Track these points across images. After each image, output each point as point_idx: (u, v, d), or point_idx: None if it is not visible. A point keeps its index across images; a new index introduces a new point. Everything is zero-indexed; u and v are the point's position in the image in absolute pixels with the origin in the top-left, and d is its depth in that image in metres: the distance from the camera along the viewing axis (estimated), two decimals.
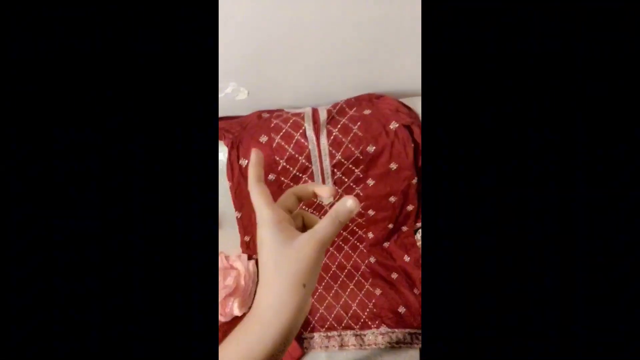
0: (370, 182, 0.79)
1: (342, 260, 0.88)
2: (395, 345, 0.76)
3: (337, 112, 0.79)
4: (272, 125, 0.78)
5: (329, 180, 0.77)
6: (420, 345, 0.75)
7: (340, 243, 0.90)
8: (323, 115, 0.79)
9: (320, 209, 0.85)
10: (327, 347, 0.77)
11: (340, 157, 0.76)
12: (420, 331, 0.78)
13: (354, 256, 0.89)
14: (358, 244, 0.90)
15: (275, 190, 0.78)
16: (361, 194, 0.80)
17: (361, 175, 0.78)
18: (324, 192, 0.28)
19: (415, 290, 0.82)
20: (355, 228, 0.87)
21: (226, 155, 0.80)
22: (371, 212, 0.82)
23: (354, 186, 0.79)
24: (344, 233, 0.88)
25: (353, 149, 0.76)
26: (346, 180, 0.79)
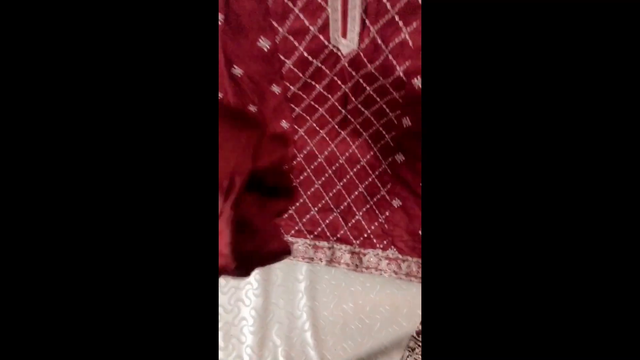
0: None
1: (357, 151, 0.60)
2: (404, 278, 0.55)
3: None
4: None
5: (356, 26, 0.40)
6: None
7: (358, 127, 0.60)
8: None
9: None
10: (311, 258, 0.58)
11: None
12: None
13: (375, 149, 0.60)
14: (385, 132, 0.60)
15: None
16: (407, 49, 0.43)
17: (409, 27, 0.40)
18: None
19: None
20: (385, 107, 0.55)
21: None
22: (417, 82, 0.47)
23: (396, 35, 0.41)
24: (366, 112, 0.57)
25: None
26: (385, 33, 0.40)
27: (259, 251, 0.35)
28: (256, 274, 0.59)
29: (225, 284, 0.58)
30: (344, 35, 0.43)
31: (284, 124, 0.64)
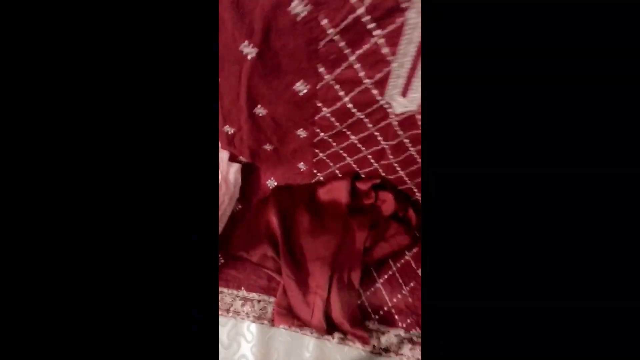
0: None
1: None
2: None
3: None
4: None
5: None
6: None
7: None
8: None
9: None
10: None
11: None
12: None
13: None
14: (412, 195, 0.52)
15: None
16: None
17: None
18: None
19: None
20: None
21: None
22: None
23: None
24: (401, 172, 0.49)
25: None
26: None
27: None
28: (253, 347, 0.50)
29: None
30: (404, 94, 0.35)
31: (302, 165, 0.55)
